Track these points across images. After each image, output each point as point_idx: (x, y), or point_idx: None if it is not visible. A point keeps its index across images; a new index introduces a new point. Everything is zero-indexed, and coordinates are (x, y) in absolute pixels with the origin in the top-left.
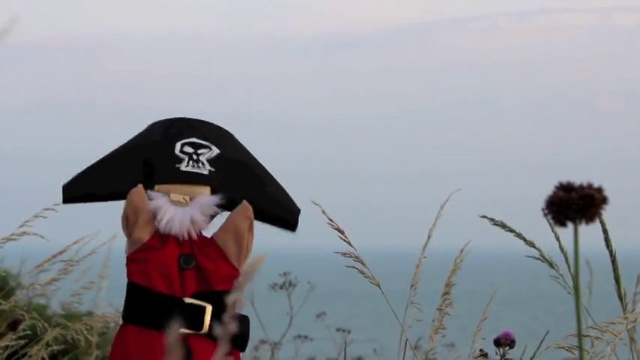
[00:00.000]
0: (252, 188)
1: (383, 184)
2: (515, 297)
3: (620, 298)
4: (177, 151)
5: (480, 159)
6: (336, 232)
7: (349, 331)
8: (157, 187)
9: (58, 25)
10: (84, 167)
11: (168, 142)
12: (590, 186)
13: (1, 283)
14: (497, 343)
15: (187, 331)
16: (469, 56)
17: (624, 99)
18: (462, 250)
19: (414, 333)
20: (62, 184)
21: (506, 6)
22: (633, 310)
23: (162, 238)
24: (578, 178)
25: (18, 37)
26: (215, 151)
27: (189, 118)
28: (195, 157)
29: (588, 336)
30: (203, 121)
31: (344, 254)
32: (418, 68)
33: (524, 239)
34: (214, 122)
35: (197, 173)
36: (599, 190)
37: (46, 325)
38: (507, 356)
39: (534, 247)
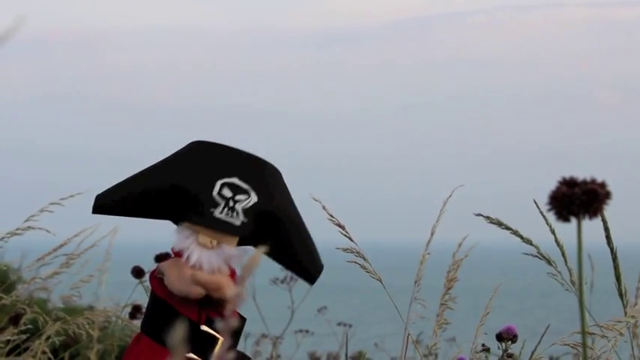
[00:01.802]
0: (282, 239)
1: (382, 178)
2: (517, 291)
3: (621, 295)
4: (215, 192)
5: (480, 153)
6: (337, 227)
7: (350, 326)
8: (186, 223)
9: (56, 20)
10: (121, 180)
11: (208, 178)
12: (593, 181)
13: (2, 277)
14: (500, 337)
15: (196, 357)
16: (468, 50)
17: (623, 92)
18: (459, 245)
19: (415, 327)
20: (96, 194)
21: (505, 0)
22: (635, 305)
23: None
24: (578, 172)
25: (17, 32)
26: (253, 199)
27: (235, 150)
28: (231, 203)
29: (594, 334)
30: (248, 155)
31: (345, 250)
32: (417, 62)
33: (521, 237)
34: (260, 156)
35: (229, 224)
36: (603, 185)
37: (47, 319)
38: (509, 351)
39: (531, 244)
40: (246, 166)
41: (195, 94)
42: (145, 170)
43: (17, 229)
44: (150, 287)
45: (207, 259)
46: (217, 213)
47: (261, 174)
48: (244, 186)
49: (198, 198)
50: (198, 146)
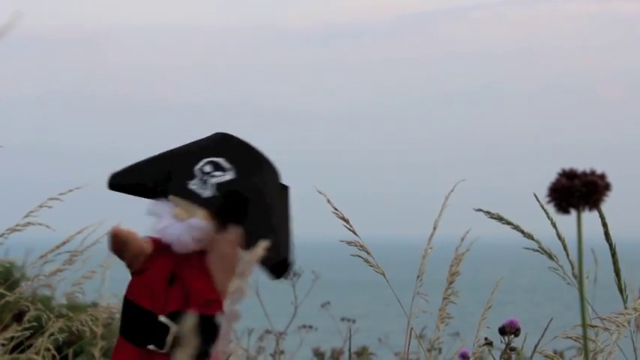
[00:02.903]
0: (251, 222)
1: (384, 174)
2: (521, 285)
3: (621, 290)
4: (197, 167)
5: (483, 147)
6: (341, 220)
7: (354, 321)
8: (170, 196)
9: (57, 17)
10: (134, 163)
11: (198, 156)
12: (593, 173)
13: (5, 274)
14: (503, 331)
15: (153, 348)
16: (470, 45)
17: (626, 86)
18: (462, 239)
19: (419, 322)
20: (112, 173)
21: None
22: (639, 298)
23: (160, 247)
24: (580, 165)
25: (17, 29)
26: (228, 176)
27: (238, 139)
28: (205, 177)
29: (596, 326)
30: (247, 145)
31: (349, 243)
32: (419, 58)
33: (522, 231)
34: (259, 150)
35: (196, 194)
36: (602, 176)
37: (51, 316)
38: (512, 344)
39: (532, 238)
40: (240, 153)
41: (197, 92)
42: (161, 152)
43: (17, 225)
44: None
45: (170, 229)
46: (190, 185)
47: (254, 163)
48: (227, 166)
49: (180, 173)
50: (215, 135)
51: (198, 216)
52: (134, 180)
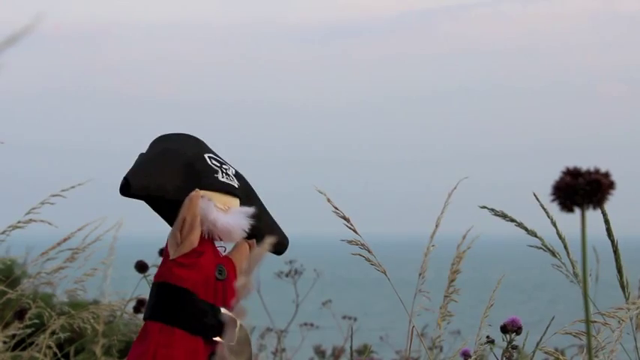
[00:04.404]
0: (259, 211)
1: (386, 171)
2: (522, 283)
3: (623, 287)
4: (208, 162)
5: (484, 145)
6: (342, 220)
7: (355, 319)
8: (201, 190)
9: (57, 15)
10: (142, 162)
11: (198, 152)
12: (597, 171)
13: (7, 271)
14: (504, 329)
15: (219, 339)
16: (472, 43)
17: (628, 84)
18: (463, 237)
19: (420, 320)
20: (126, 176)
21: None
22: (639, 297)
23: (204, 244)
24: (580, 163)
25: (17, 27)
26: (232, 168)
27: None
28: (224, 169)
29: (595, 322)
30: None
31: (350, 242)
32: (421, 55)
33: (526, 229)
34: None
35: (232, 185)
36: (607, 175)
37: (52, 313)
38: (514, 342)
39: (536, 236)
40: (208, 146)
41: (198, 89)
42: (154, 156)
43: (19, 222)
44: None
45: (232, 223)
46: (220, 177)
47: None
48: (221, 159)
49: (201, 168)
50: (170, 135)
51: (235, 204)
52: (155, 188)
